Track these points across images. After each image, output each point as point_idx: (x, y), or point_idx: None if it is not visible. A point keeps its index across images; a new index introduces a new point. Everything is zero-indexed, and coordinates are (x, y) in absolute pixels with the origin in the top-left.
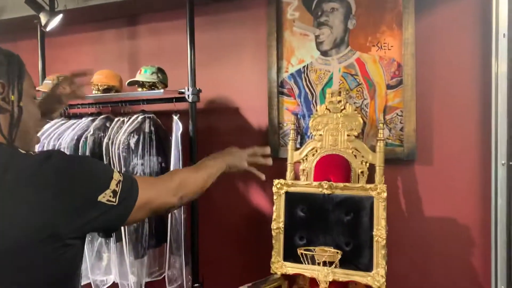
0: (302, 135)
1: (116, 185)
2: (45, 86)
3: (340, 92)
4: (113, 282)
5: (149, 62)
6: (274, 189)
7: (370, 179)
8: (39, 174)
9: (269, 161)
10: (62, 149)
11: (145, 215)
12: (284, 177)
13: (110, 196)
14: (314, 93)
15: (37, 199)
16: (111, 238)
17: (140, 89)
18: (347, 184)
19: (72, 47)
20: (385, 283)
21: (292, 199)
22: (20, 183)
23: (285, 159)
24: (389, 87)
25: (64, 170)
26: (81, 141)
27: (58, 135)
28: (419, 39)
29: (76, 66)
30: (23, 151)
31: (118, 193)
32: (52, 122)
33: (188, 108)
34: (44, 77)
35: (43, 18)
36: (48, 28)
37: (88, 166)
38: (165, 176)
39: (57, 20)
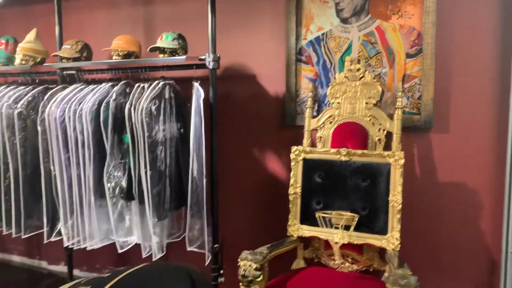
0: (319, 103)
1: None
2: (64, 51)
3: (359, 60)
4: (136, 243)
5: (164, 28)
6: (292, 156)
7: (387, 147)
8: None
9: None
10: (83, 114)
11: None
12: (300, 144)
13: None
14: (332, 61)
15: None
16: (133, 201)
17: (161, 55)
18: (365, 151)
19: (86, 12)
20: (399, 246)
21: (310, 165)
22: None
23: (302, 127)
24: (408, 55)
25: None
26: (103, 106)
27: (79, 100)
28: (440, 8)
29: (90, 31)
30: None
31: None
32: (72, 87)
33: (205, 74)
34: (61, 42)
35: None
36: None
37: None
38: None
39: None
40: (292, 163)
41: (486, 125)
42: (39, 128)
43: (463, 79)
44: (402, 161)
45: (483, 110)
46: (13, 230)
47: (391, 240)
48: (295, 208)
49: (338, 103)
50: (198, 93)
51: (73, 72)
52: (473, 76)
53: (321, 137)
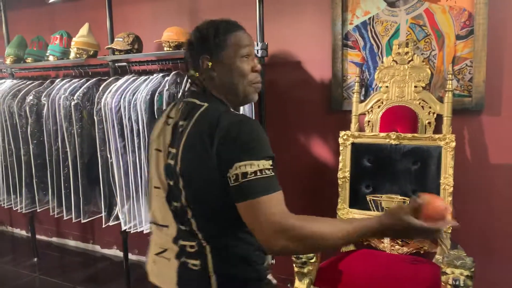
0: (366, 88)
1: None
2: (117, 43)
3: (407, 44)
4: None
5: (209, 18)
6: (341, 140)
7: (437, 130)
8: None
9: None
10: (137, 104)
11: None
12: (347, 129)
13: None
14: (380, 45)
15: None
16: None
17: None
18: (415, 134)
19: (133, 5)
20: (451, 228)
21: (358, 149)
22: None
23: (349, 112)
24: (458, 37)
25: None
26: (156, 96)
27: (133, 90)
28: None
29: (137, 23)
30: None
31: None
32: (124, 78)
33: None
34: (112, 35)
35: None
36: None
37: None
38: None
39: None
40: (341, 148)
41: None
42: (95, 118)
43: None
44: (453, 144)
45: None
46: (73, 215)
47: None
48: (344, 192)
49: (387, 87)
50: None
51: (124, 64)
52: None
53: (369, 121)
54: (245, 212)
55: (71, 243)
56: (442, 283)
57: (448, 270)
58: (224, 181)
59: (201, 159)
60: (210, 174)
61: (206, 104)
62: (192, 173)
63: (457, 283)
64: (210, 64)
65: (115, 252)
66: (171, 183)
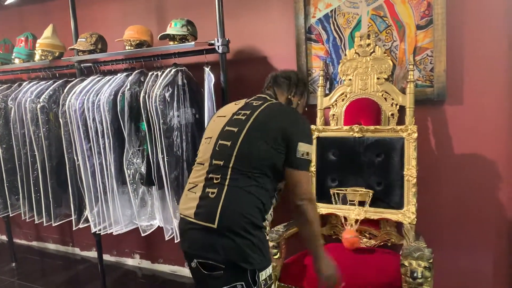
0: (331, 81)
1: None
2: (79, 44)
3: (369, 35)
4: (158, 226)
5: (176, 15)
6: None
7: (400, 121)
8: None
9: None
10: (101, 104)
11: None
12: (314, 123)
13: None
14: (342, 38)
15: None
16: (153, 186)
17: (171, 43)
18: (377, 126)
19: (100, 5)
20: (415, 219)
21: (323, 143)
22: None
23: (314, 106)
24: (418, 27)
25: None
26: (119, 96)
27: (96, 91)
28: None
29: (105, 23)
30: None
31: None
32: (89, 79)
33: (216, 59)
34: (77, 35)
35: None
36: None
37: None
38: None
39: None
40: None
41: (501, 95)
42: (61, 120)
43: (476, 48)
44: (415, 134)
45: (497, 80)
46: (44, 219)
47: (407, 214)
48: (311, 187)
49: (350, 79)
50: (209, 77)
51: (90, 64)
52: (486, 45)
53: (334, 115)
54: (293, 176)
55: (51, 246)
56: (402, 276)
57: (406, 262)
58: (282, 148)
59: (274, 121)
60: (275, 134)
61: (275, 101)
62: (265, 125)
63: (415, 275)
64: (298, 102)
65: (94, 254)
66: (234, 129)
